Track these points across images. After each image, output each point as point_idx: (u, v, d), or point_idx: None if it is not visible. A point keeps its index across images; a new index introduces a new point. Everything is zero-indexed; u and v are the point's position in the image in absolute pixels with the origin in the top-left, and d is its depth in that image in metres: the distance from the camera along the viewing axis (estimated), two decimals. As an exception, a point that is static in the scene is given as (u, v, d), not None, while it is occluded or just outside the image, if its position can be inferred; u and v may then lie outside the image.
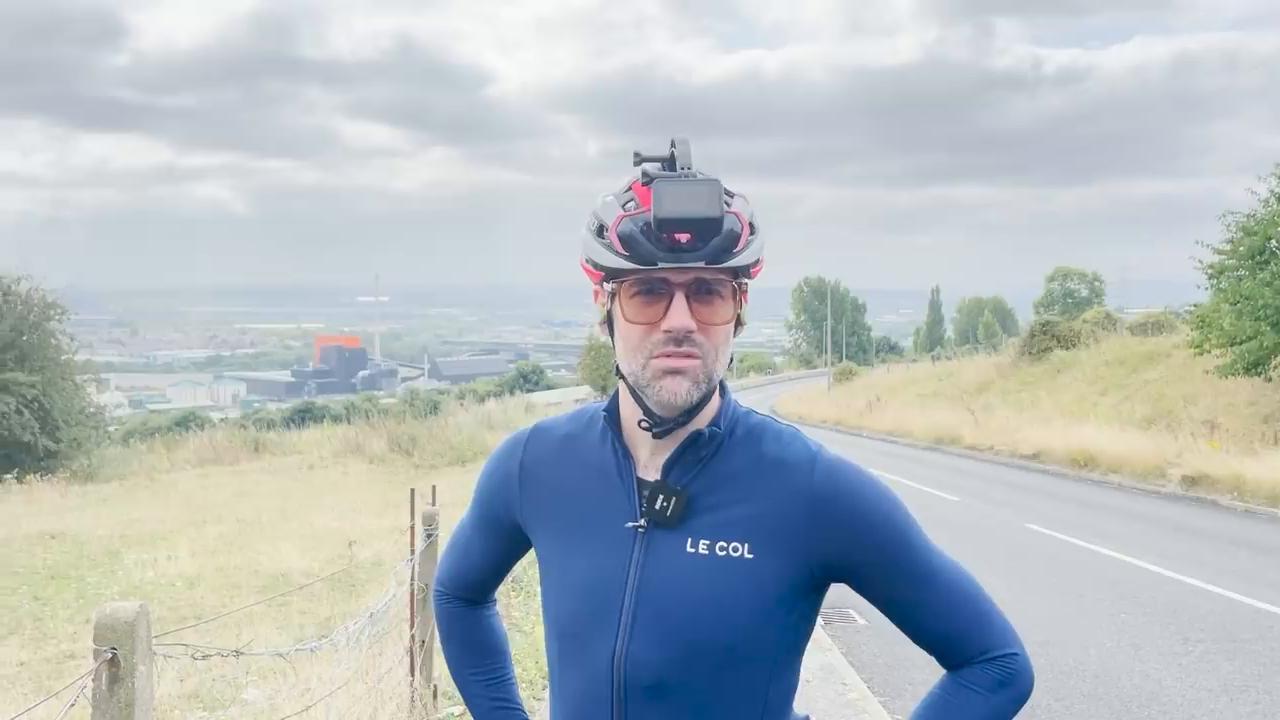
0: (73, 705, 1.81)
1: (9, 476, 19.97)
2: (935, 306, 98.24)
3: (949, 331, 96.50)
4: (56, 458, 22.11)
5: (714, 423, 1.31)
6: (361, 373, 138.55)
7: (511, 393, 49.15)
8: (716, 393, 1.32)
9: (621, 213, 1.23)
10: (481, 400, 41.08)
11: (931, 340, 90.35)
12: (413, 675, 4.15)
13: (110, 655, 1.79)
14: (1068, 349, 29.53)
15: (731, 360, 1.32)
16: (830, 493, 1.28)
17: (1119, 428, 19.32)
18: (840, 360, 68.40)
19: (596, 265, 1.27)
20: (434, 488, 4.84)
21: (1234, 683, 5.83)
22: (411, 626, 4.14)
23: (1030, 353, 31.15)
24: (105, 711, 1.80)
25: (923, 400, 33.79)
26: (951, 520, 12.54)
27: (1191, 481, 14.98)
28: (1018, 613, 7.68)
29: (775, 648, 1.29)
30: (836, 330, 78.84)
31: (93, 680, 1.80)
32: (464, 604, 1.57)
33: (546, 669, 1.42)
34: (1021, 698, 1.31)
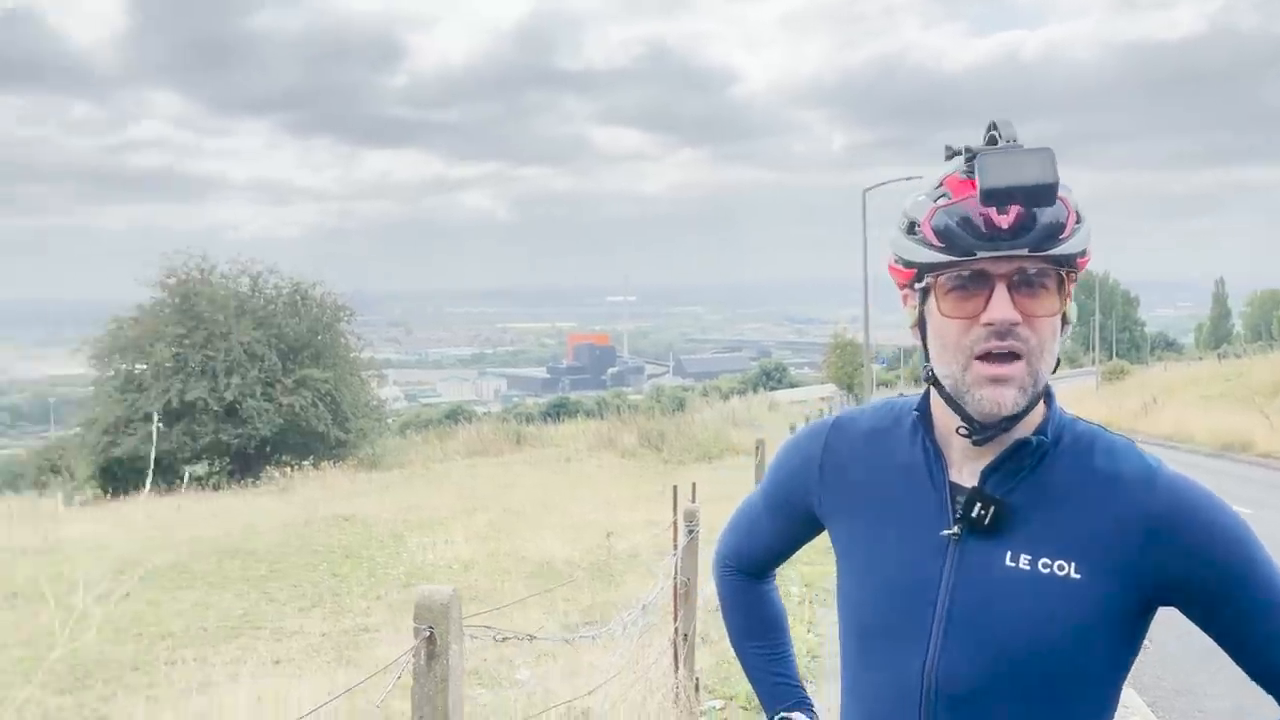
0: (399, 678, 2.00)
1: (306, 463, 22.24)
2: (1220, 299, 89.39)
3: (1237, 326, 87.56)
4: (346, 447, 24.33)
5: (1039, 430, 1.24)
6: (611, 369, 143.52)
7: (754, 390, 49.27)
8: (1043, 399, 1.25)
9: (934, 206, 1.19)
10: (725, 397, 41.41)
11: (1216, 336, 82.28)
12: (676, 668, 4.27)
13: (428, 633, 1.97)
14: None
15: (1057, 364, 1.24)
16: (1172, 513, 1.19)
17: None
18: (1110, 358, 63.64)
19: (908, 263, 1.23)
20: (694, 485, 4.95)
21: None
22: (675, 620, 4.26)
23: (1340, 350, 27.74)
24: (424, 684, 1.98)
25: (1207, 402, 30.81)
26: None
27: None
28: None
29: (1096, 673, 1.23)
30: (1105, 325, 73.35)
31: (413, 656, 1.99)
32: (746, 578, 1.60)
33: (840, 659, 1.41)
34: None
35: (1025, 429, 1.23)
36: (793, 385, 61.54)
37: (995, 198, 1.11)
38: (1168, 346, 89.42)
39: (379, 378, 31.03)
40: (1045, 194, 1.12)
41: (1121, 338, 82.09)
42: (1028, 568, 1.20)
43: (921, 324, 1.26)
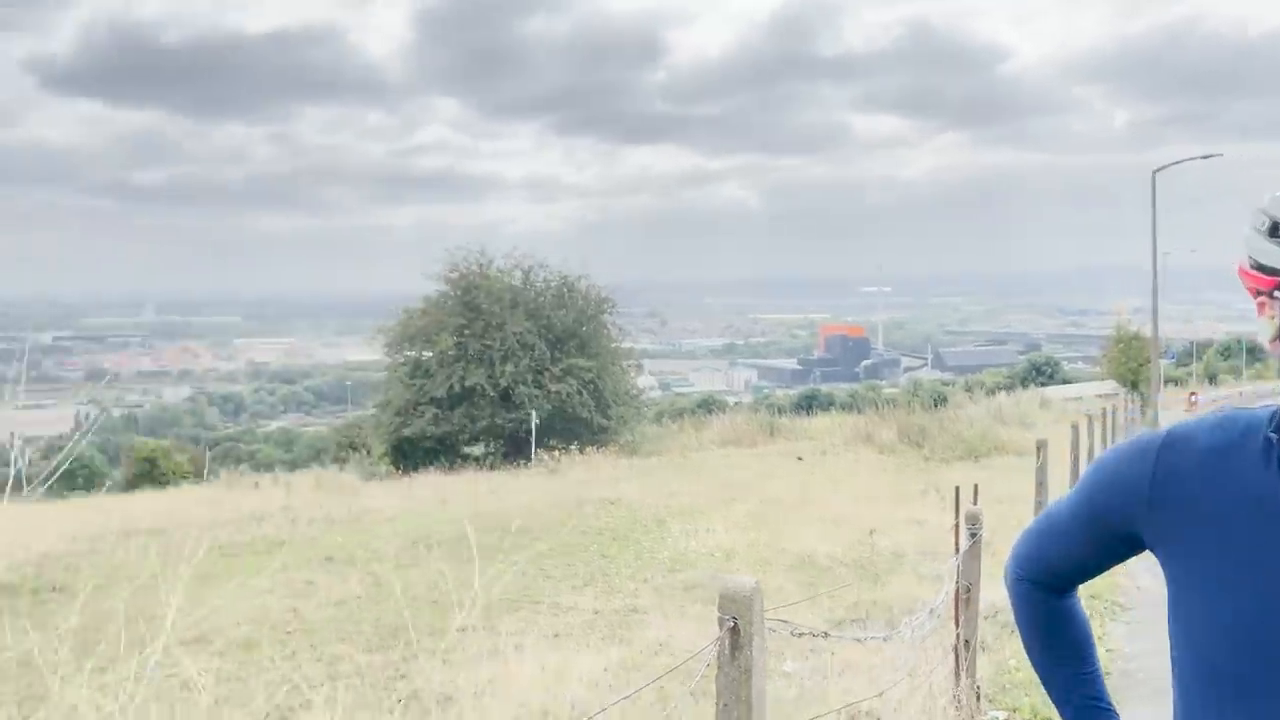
0: (706, 666, 2.08)
1: (572, 447, 23.34)
2: None
3: None
4: (607, 433, 25.33)
5: None
6: (864, 362, 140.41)
7: (1023, 385, 46.58)
8: None
9: None
10: (990, 393, 39.42)
11: None
12: (958, 675, 4.14)
13: (732, 624, 2.04)
14: None
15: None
16: None
17: None
18: None
19: (1271, 270, 1.12)
20: (975, 486, 4.77)
21: None
22: (957, 625, 4.14)
23: None
24: (727, 674, 2.05)
25: None
26: None
27: None
28: None
29: None
30: None
31: (716, 645, 2.06)
32: (1047, 591, 1.49)
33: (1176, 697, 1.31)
34: None
35: None
36: (1066, 381, 57.64)
37: None
38: None
39: (637, 367, 32.04)
40: None
41: None
42: None
43: None
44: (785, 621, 2.42)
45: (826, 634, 2.66)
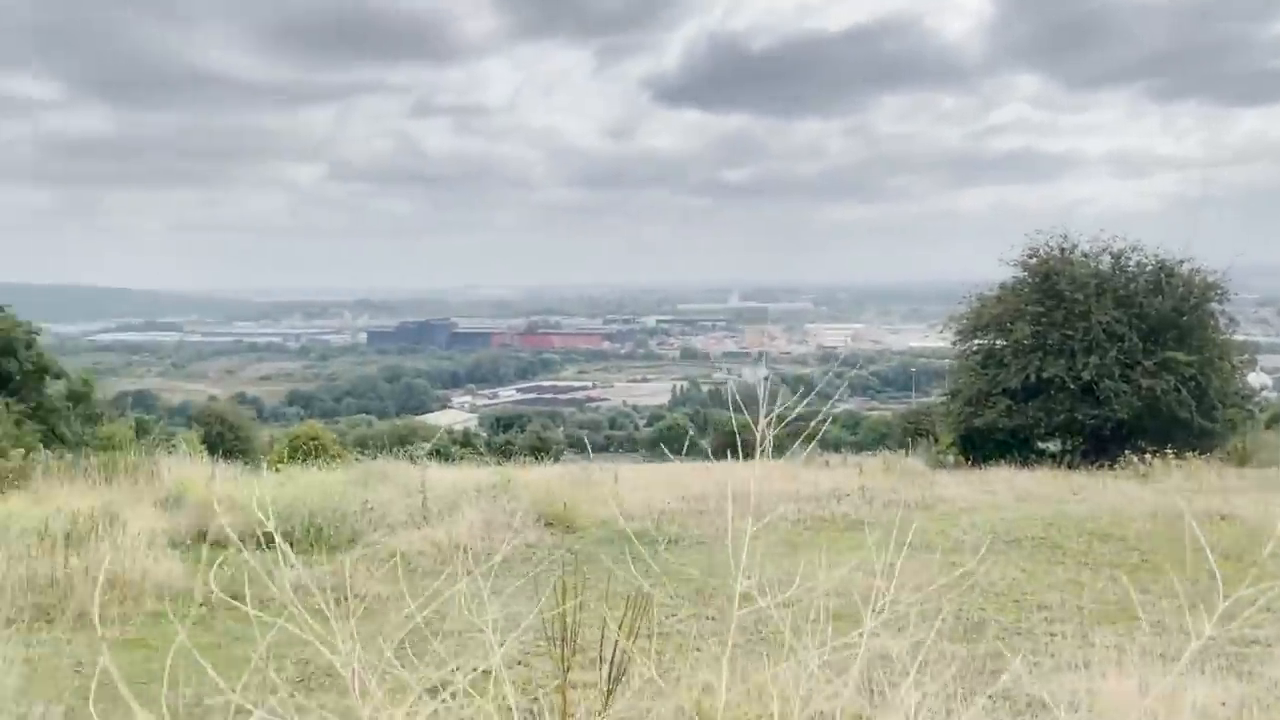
0: None
1: (1167, 451, 20.96)
2: None
3: None
4: (1211, 437, 22.34)
5: None
6: None
7: None
8: None
9: None
10: None
11: None
12: None
13: None
14: None
15: None
16: None
17: None
18: None
19: None
20: None
21: None
22: None
23: None
24: None
25: None
26: None
27: None
28: None
29: None
30: None
31: None
32: None
33: None
34: None
35: None
36: None
37: None
38: None
39: (1249, 362, 27.77)
40: None
41: None
42: None
43: None
44: None
45: None
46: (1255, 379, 34.58)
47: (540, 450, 22.81)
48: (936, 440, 25.99)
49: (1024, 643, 6.67)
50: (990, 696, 5.29)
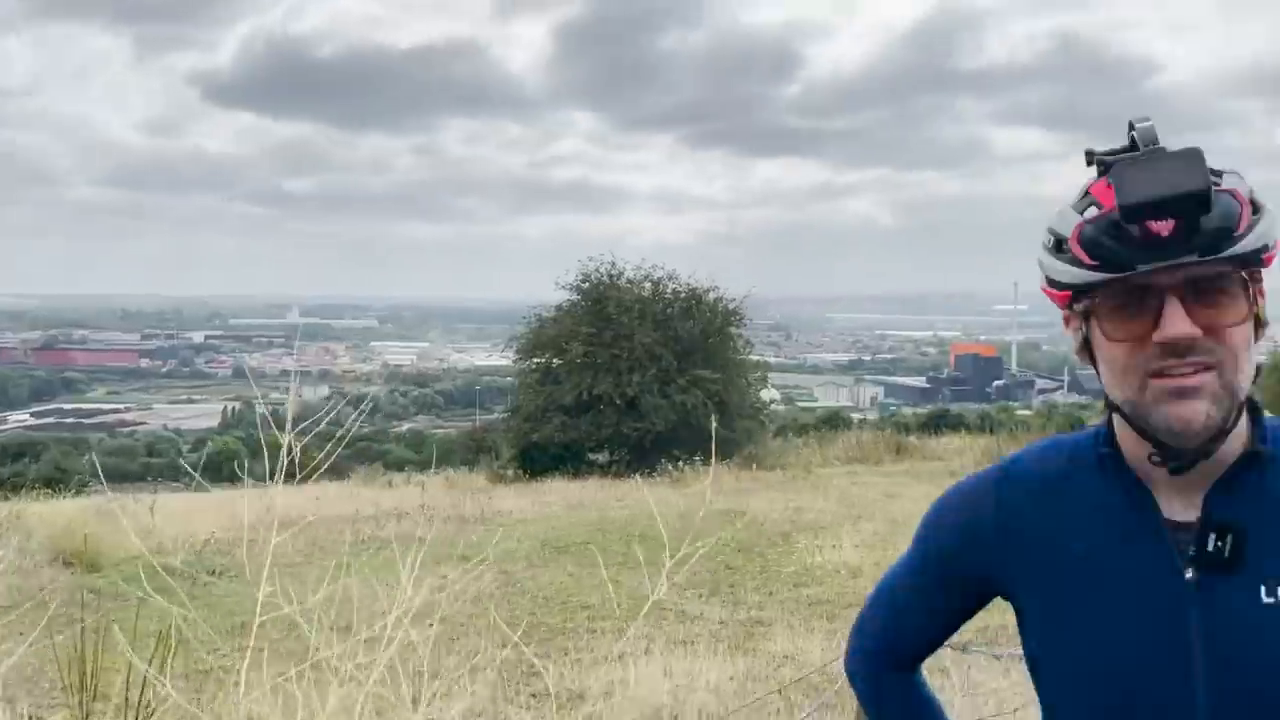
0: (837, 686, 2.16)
1: (696, 459, 23.46)
2: None
3: None
4: (730, 445, 25.36)
5: (1255, 440, 1.10)
6: (996, 382, 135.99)
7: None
8: (1244, 411, 1.09)
9: (1081, 220, 1.07)
10: (1133, 418, 37.66)
11: None
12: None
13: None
14: None
15: (1257, 373, 1.08)
16: None
17: None
18: None
19: (1061, 285, 1.11)
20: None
21: None
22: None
23: None
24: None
25: None
26: None
27: None
28: None
29: None
30: None
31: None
32: (898, 674, 1.38)
33: None
34: None
35: (1233, 450, 1.09)
36: (1215, 409, 54.51)
37: (1137, 214, 0.99)
38: None
39: (762, 380, 31.93)
40: (1194, 203, 0.98)
41: None
42: None
43: (1087, 347, 1.14)
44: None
45: (965, 648, 2.70)
46: (766, 394, 39.90)
47: (58, 482, 20.08)
48: (498, 456, 26.81)
49: (567, 641, 7.14)
50: (534, 694, 5.60)
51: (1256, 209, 1.05)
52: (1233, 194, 1.04)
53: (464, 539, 10.91)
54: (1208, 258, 1.02)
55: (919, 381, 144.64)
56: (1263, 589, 1.05)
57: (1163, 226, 1.01)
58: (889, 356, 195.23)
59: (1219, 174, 1.05)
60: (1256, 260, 1.05)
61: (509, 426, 26.56)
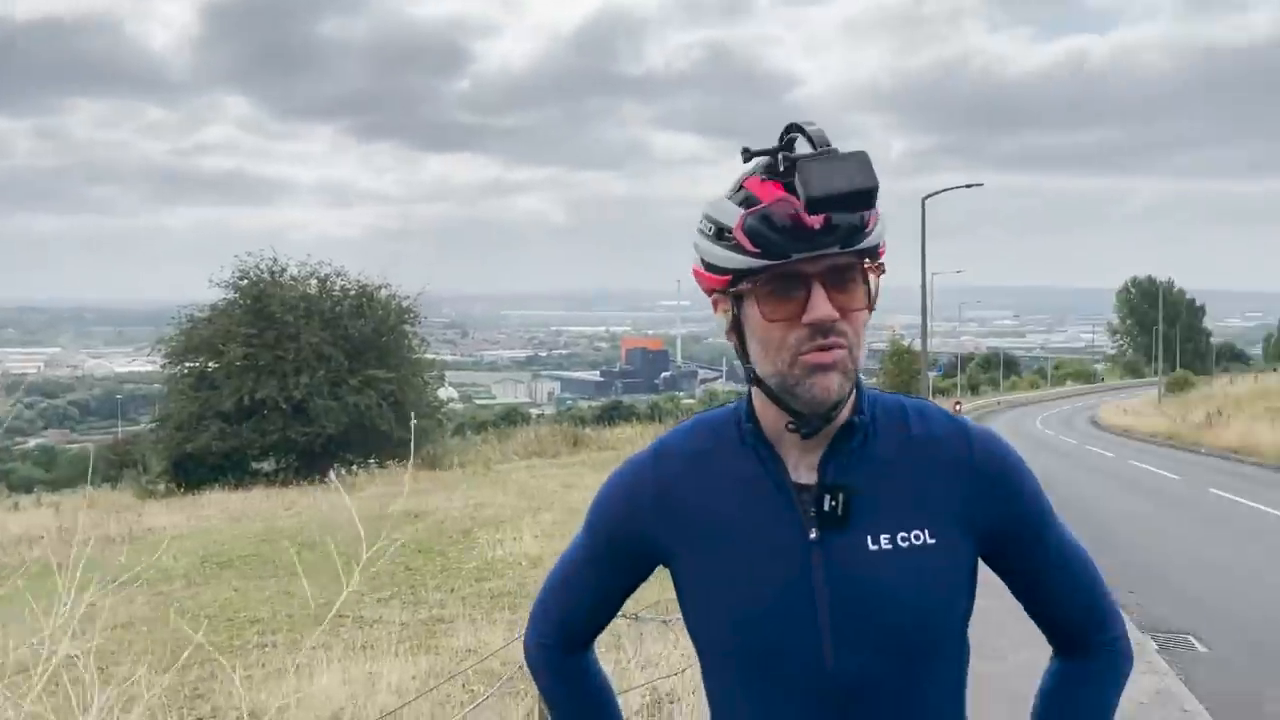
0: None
1: (371, 462, 22.80)
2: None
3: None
4: (408, 446, 24.89)
5: (857, 411, 1.24)
6: (664, 374, 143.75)
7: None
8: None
9: (743, 211, 1.16)
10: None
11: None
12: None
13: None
14: None
15: (864, 350, 1.24)
16: (990, 466, 1.26)
17: None
18: (1173, 369, 62.38)
19: (721, 270, 1.20)
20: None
21: None
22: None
23: None
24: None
25: (1274, 416, 30.16)
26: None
27: None
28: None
29: (959, 627, 1.27)
30: (1169, 335, 72.00)
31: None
32: (571, 656, 1.45)
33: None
34: (1124, 676, 1.34)
35: (845, 415, 1.24)
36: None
37: (821, 205, 1.09)
38: (1235, 358, 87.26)
39: (438, 379, 31.61)
40: (868, 198, 1.11)
41: (1186, 349, 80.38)
42: (890, 546, 1.21)
43: (737, 327, 1.24)
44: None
45: (637, 616, 2.89)
46: (444, 393, 39.52)
47: None
48: (147, 469, 24.51)
49: (236, 659, 6.70)
50: (200, 718, 5.23)
51: (878, 214, 1.19)
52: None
53: (111, 561, 9.93)
54: (846, 249, 1.15)
55: (594, 375, 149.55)
56: (869, 539, 1.21)
57: (815, 220, 1.12)
58: (564, 352, 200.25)
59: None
60: (875, 254, 1.20)
61: (159, 437, 24.36)
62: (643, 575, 1.39)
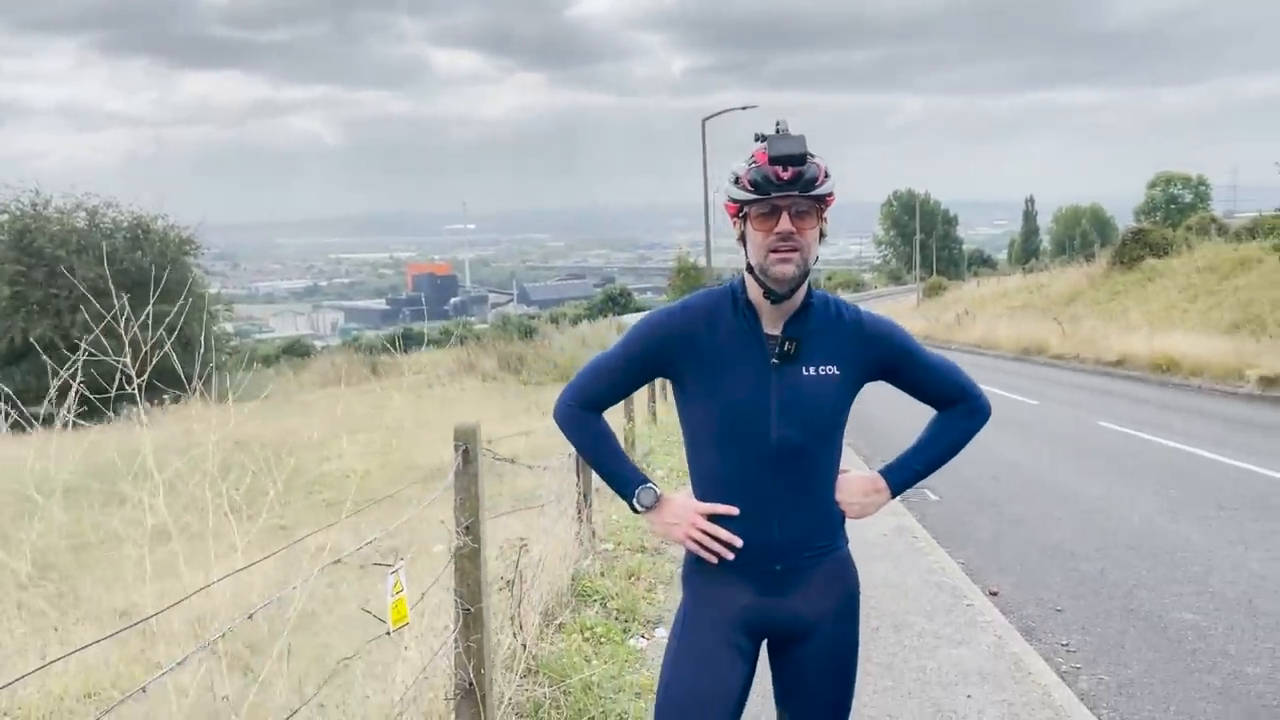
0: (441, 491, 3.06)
1: (165, 399, 22.11)
2: (1030, 217, 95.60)
3: (1045, 243, 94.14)
4: (199, 383, 24.28)
5: (808, 297, 2.13)
6: (453, 299, 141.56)
7: (602, 315, 50.51)
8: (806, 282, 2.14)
9: (748, 168, 2.02)
10: (574, 323, 42.54)
11: (1026, 252, 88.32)
12: (580, 521, 5.46)
13: (464, 448, 3.06)
14: (1160, 257, 29.15)
15: (817, 262, 2.18)
16: (874, 327, 2.19)
17: (1205, 334, 19.70)
18: (930, 275, 67.97)
19: (737, 201, 2.05)
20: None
21: (1252, 535, 6.84)
22: (578, 485, 5.44)
23: (1122, 262, 30.83)
24: (462, 480, 3.08)
25: (1012, 313, 34.03)
26: (1029, 420, 13.43)
27: (1269, 382, 15.51)
28: (1075, 490, 8.73)
29: (843, 422, 2.19)
30: (926, 244, 77.98)
31: (454, 463, 3.07)
32: (589, 412, 2.24)
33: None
34: (984, 418, 2.33)
35: (800, 297, 2.11)
36: (638, 309, 62.97)
37: (777, 161, 1.98)
38: (984, 263, 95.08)
39: (227, 312, 30.65)
40: (800, 159, 1.98)
41: (942, 256, 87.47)
42: (814, 374, 2.11)
43: (743, 237, 2.12)
44: (489, 451, 3.47)
45: (513, 460, 3.74)
46: (221, 328, 38.18)
47: None
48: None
49: (95, 571, 7.08)
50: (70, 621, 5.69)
51: (827, 175, 2.02)
52: (818, 165, 2.02)
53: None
54: (805, 194, 2.00)
55: (379, 304, 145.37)
56: (804, 368, 2.08)
57: (786, 175, 1.96)
58: (346, 281, 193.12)
59: (814, 155, 2.02)
60: (823, 200, 2.04)
61: (-83, 386, 22.65)
62: (650, 379, 2.24)
